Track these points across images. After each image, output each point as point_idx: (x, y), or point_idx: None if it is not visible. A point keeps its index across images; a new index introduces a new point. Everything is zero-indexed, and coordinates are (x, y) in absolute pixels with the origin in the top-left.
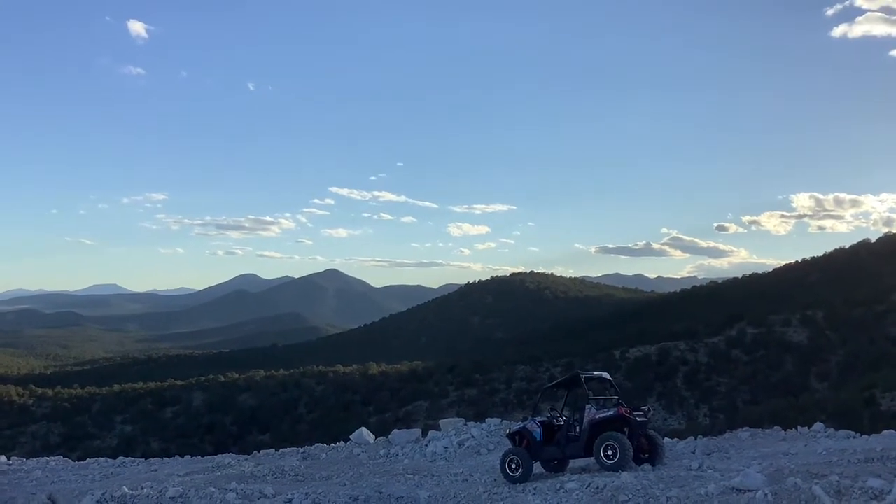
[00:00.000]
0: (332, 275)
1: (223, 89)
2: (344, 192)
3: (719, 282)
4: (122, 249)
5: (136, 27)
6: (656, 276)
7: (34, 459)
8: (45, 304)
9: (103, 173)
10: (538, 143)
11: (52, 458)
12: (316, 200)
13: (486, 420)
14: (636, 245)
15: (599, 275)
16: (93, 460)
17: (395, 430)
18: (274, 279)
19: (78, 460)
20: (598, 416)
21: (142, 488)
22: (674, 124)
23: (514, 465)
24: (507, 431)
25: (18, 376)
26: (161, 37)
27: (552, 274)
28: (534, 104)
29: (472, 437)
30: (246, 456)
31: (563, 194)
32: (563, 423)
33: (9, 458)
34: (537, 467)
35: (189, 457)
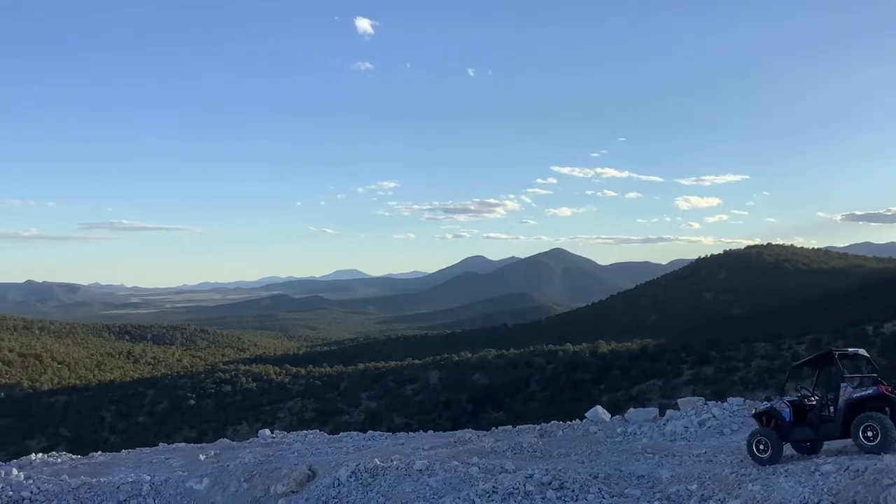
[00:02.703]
0: (558, 254)
1: (445, 77)
2: (566, 170)
3: None
4: (360, 236)
5: (363, 24)
6: None
7: (294, 433)
8: (294, 290)
9: (340, 166)
10: (771, 106)
11: (310, 431)
12: (538, 180)
13: (728, 399)
14: (889, 210)
15: (846, 244)
16: (345, 434)
17: (632, 409)
18: (501, 260)
19: (331, 434)
20: (855, 395)
21: (391, 461)
22: None
23: (762, 446)
24: (753, 411)
25: (275, 356)
26: (385, 31)
27: (792, 245)
28: (762, 65)
29: (714, 416)
30: (484, 432)
31: (801, 160)
32: (815, 402)
33: (272, 432)
34: (787, 449)
35: (431, 432)
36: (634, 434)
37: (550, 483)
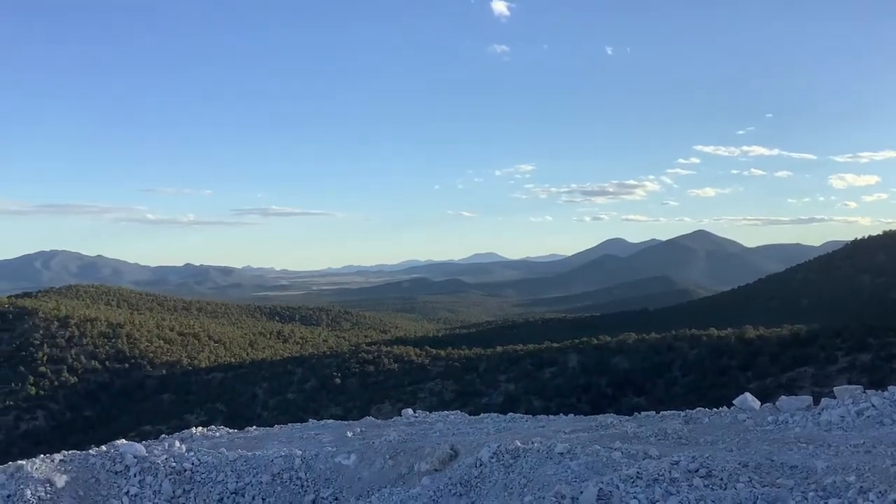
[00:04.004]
0: (701, 236)
1: (582, 57)
2: (709, 149)
3: None
4: (498, 219)
5: (499, 6)
6: None
7: (436, 413)
8: (433, 272)
9: (476, 149)
10: None
11: (451, 412)
12: (680, 160)
13: (889, 388)
14: None
15: None
16: (486, 415)
17: (783, 397)
18: (640, 242)
19: (471, 415)
20: None
21: (532, 443)
22: None
23: None
24: None
25: (415, 338)
26: (522, 13)
27: None
28: None
29: (873, 406)
30: (627, 417)
31: None
32: None
33: (415, 411)
34: None
35: (572, 415)
36: (786, 423)
37: (697, 470)
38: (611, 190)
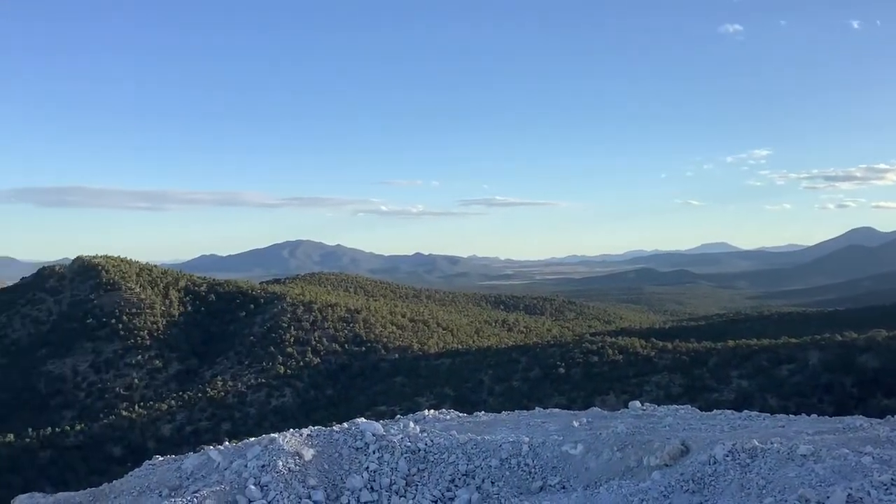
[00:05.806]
0: None
1: (825, 32)
2: None
3: None
4: (729, 208)
5: None
6: None
7: (664, 406)
8: (659, 263)
9: (706, 135)
10: None
11: (680, 406)
12: None
13: None
14: None
15: None
16: (718, 412)
17: None
18: (893, 231)
19: (700, 410)
20: None
21: (771, 443)
22: None
23: None
24: None
25: (641, 330)
26: None
27: None
28: None
29: None
30: (878, 420)
31: None
32: None
33: (642, 404)
34: None
35: (814, 416)
36: None
37: None
38: (858, 175)
